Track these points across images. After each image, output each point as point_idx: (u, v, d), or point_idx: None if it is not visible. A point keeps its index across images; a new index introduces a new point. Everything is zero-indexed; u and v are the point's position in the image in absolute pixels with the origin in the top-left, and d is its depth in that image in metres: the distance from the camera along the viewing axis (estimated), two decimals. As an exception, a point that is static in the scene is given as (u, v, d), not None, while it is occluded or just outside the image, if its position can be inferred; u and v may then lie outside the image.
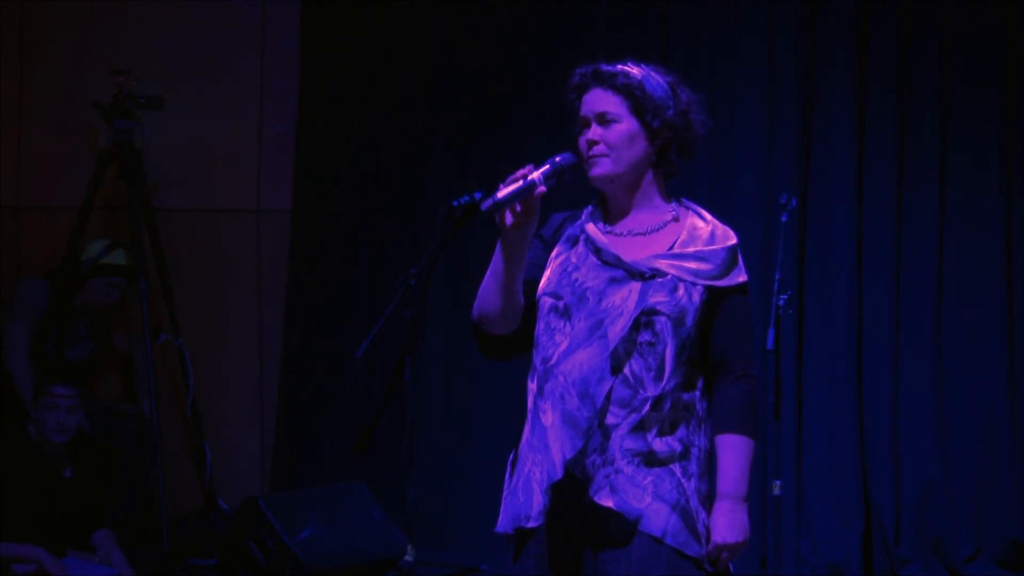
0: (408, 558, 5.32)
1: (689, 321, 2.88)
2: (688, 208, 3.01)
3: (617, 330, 2.87)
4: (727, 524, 2.87)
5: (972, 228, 5.77)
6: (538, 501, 2.95)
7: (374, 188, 6.18)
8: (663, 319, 2.87)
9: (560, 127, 6.02)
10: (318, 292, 6.22)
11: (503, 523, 3.06)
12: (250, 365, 6.32)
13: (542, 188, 2.95)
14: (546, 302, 2.98)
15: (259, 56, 6.35)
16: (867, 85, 5.78)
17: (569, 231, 3.06)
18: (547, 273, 3.03)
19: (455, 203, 5.62)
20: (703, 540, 2.88)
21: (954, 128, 5.77)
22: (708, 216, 3.00)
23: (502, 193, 2.99)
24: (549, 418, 2.96)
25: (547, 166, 2.98)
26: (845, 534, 5.60)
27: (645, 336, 2.88)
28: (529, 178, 2.97)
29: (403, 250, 6.01)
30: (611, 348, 2.87)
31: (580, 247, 2.99)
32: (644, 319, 2.87)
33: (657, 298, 2.87)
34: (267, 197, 6.34)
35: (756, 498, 5.09)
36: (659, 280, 2.88)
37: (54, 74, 6.34)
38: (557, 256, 3.03)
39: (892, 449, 5.72)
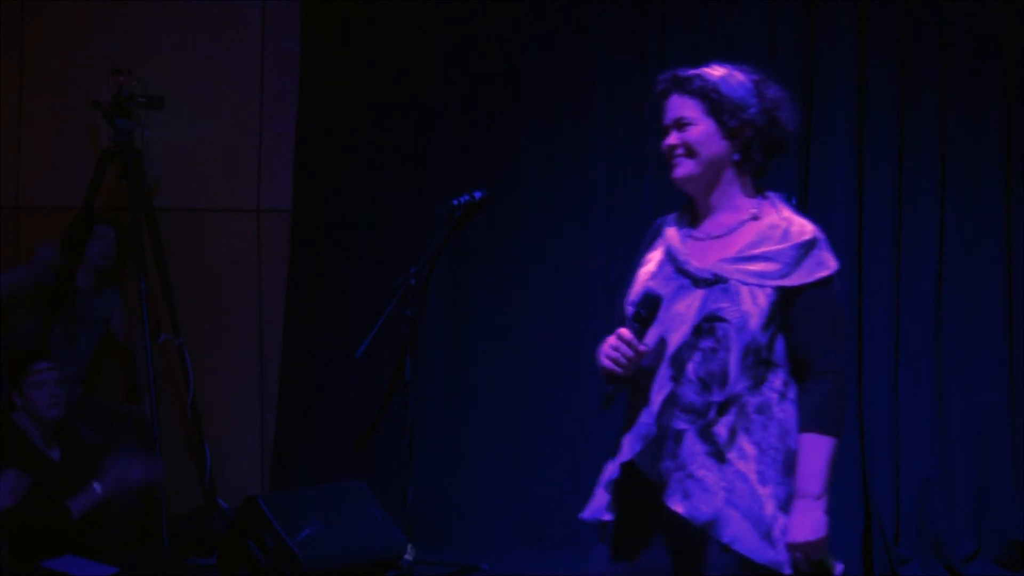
0: (408, 557, 5.34)
1: (754, 325, 2.90)
2: (772, 204, 3.03)
3: (677, 338, 2.92)
4: (797, 523, 2.89)
5: (973, 227, 5.77)
6: (602, 497, 3.02)
7: (374, 188, 6.18)
8: (725, 325, 2.90)
9: (558, 126, 6.10)
10: (318, 291, 6.22)
11: (585, 512, 3.12)
12: (250, 364, 6.32)
13: (643, 347, 2.94)
14: (629, 311, 3.03)
15: (259, 56, 6.35)
16: (867, 81, 5.78)
17: (659, 237, 3.13)
18: (635, 281, 3.08)
19: (455, 202, 5.68)
20: (779, 545, 2.90)
21: (954, 124, 5.76)
22: (786, 211, 3.01)
23: (613, 384, 2.95)
24: (627, 422, 3.01)
25: (635, 324, 2.96)
26: (845, 533, 5.59)
27: (707, 343, 2.92)
28: (632, 353, 2.92)
29: (403, 249, 6.01)
30: (670, 355, 2.91)
31: (661, 254, 3.05)
32: (706, 326, 2.91)
33: (719, 304, 2.90)
34: (267, 197, 6.35)
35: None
36: (721, 286, 2.92)
37: (54, 74, 6.35)
38: (645, 263, 3.09)
39: (892, 448, 5.72)
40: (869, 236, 5.78)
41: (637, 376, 2.95)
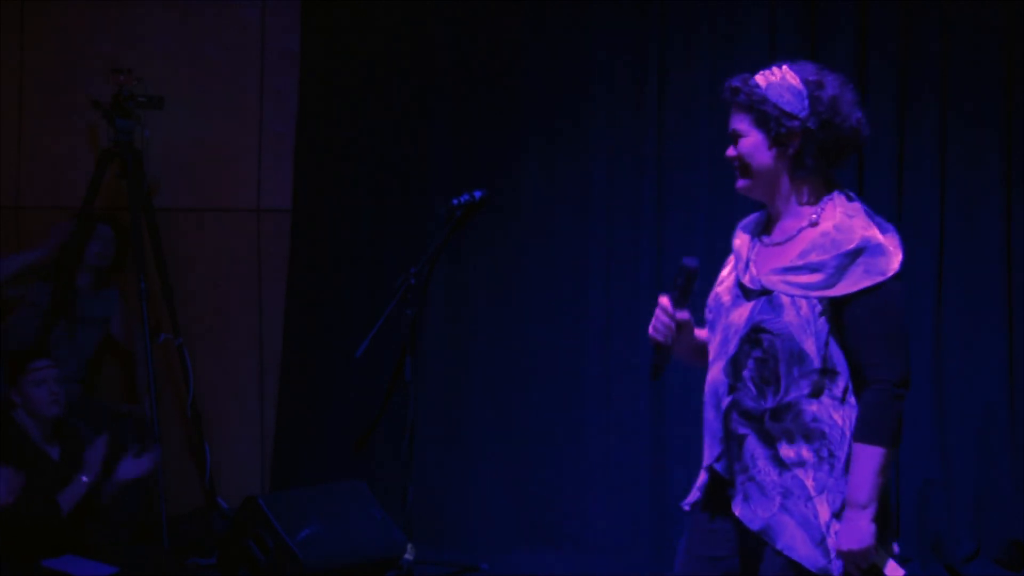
0: (408, 557, 5.34)
1: (800, 336, 2.92)
2: (836, 207, 2.99)
3: (732, 346, 2.98)
4: (844, 532, 2.92)
5: (973, 226, 5.77)
6: (693, 496, 3.12)
7: (374, 187, 6.18)
8: (769, 336, 2.94)
9: (558, 126, 6.10)
10: (318, 291, 6.22)
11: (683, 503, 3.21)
12: (250, 364, 6.32)
13: (680, 316, 3.05)
14: (707, 316, 3.12)
15: (259, 56, 6.35)
16: (867, 79, 5.78)
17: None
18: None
19: (455, 202, 5.68)
20: (832, 552, 2.93)
21: (954, 122, 5.77)
22: (841, 216, 2.97)
23: (658, 354, 3.08)
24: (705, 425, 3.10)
25: (673, 293, 3.05)
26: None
27: (757, 353, 2.95)
28: (669, 321, 3.04)
29: (403, 249, 6.00)
30: (728, 362, 2.98)
31: (732, 260, 3.13)
32: (754, 336, 2.95)
33: (764, 316, 2.95)
34: (267, 196, 6.34)
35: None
36: (766, 298, 2.96)
37: (54, 74, 6.34)
38: (725, 265, 3.17)
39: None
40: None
41: (707, 379, 3.05)
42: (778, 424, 2.94)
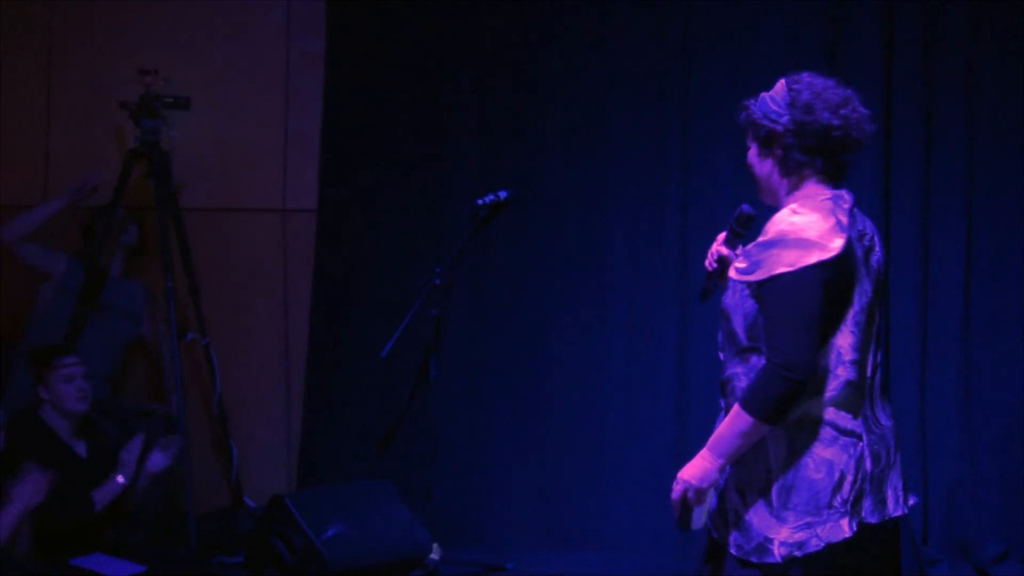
0: (434, 556, 5.36)
1: (733, 316, 3.16)
2: (794, 202, 3.17)
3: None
4: (690, 464, 3.14)
5: (1000, 225, 5.74)
6: None
7: (399, 187, 6.19)
8: (722, 317, 3.20)
9: (580, 126, 6.10)
10: (343, 291, 6.23)
11: None
12: (276, 364, 6.34)
13: (728, 253, 3.43)
14: None
15: (285, 57, 6.37)
16: (893, 79, 5.76)
17: None
18: None
19: (480, 202, 5.68)
20: (729, 524, 3.16)
21: (981, 128, 5.74)
22: (787, 209, 3.14)
23: (709, 279, 3.48)
24: None
25: (729, 234, 3.43)
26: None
27: (719, 333, 3.23)
28: (718, 258, 3.46)
29: (428, 249, 6.02)
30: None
31: None
32: (720, 316, 3.22)
33: (723, 301, 3.22)
34: (293, 196, 6.36)
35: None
36: (728, 283, 3.25)
37: (81, 74, 6.38)
38: None
39: (919, 449, 5.70)
40: (896, 237, 5.76)
41: None
42: (724, 399, 3.21)
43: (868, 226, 3.22)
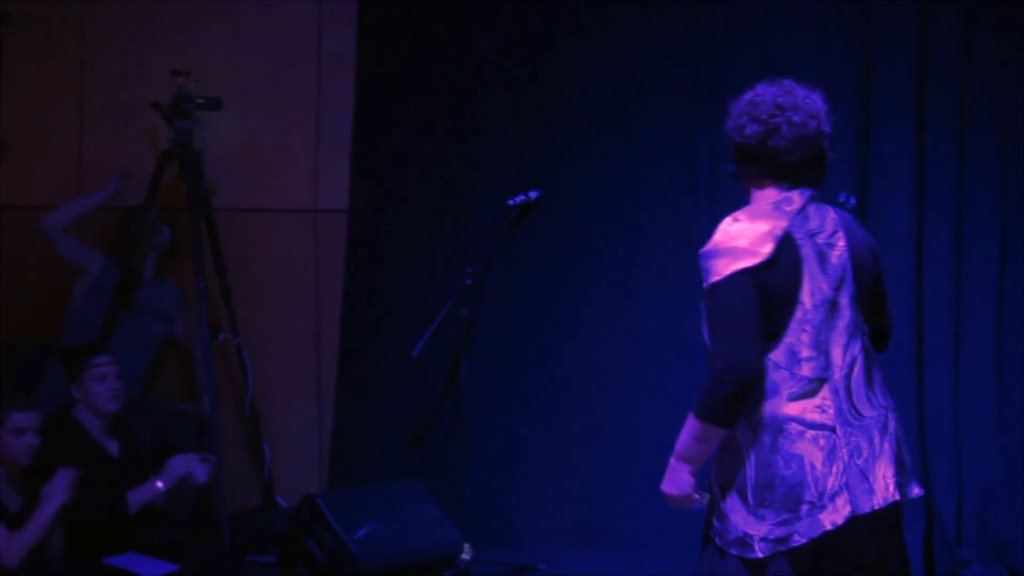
0: (465, 557, 5.36)
1: (702, 327, 3.22)
2: (742, 212, 3.27)
3: None
4: (666, 478, 3.31)
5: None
6: None
7: (430, 188, 6.20)
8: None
9: (610, 124, 6.09)
10: (374, 291, 6.25)
11: None
12: (307, 364, 6.36)
13: None
14: None
15: (316, 57, 6.38)
16: (926, 82, 5.73)
17: None
18: None
19: (511, 202, 5.67)
20: (712, 513, 3.26)
21: (1013, 122, 5.71)
22: (726, 219, 3.25)
23: None
24: None
25: None
26: (905, 535, 5.54)
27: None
28: None
29: (459, 249, 6.03)
30: None
31: None
32: None
33: None
34: (324, 197, 6.38)
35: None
36: None
37: (114, 75, 6.41)
38: None
39: (953, 449, 5.67)
40: (929, 236, 5.73)
41: None
42: None
43: (830, 223, 3.25)
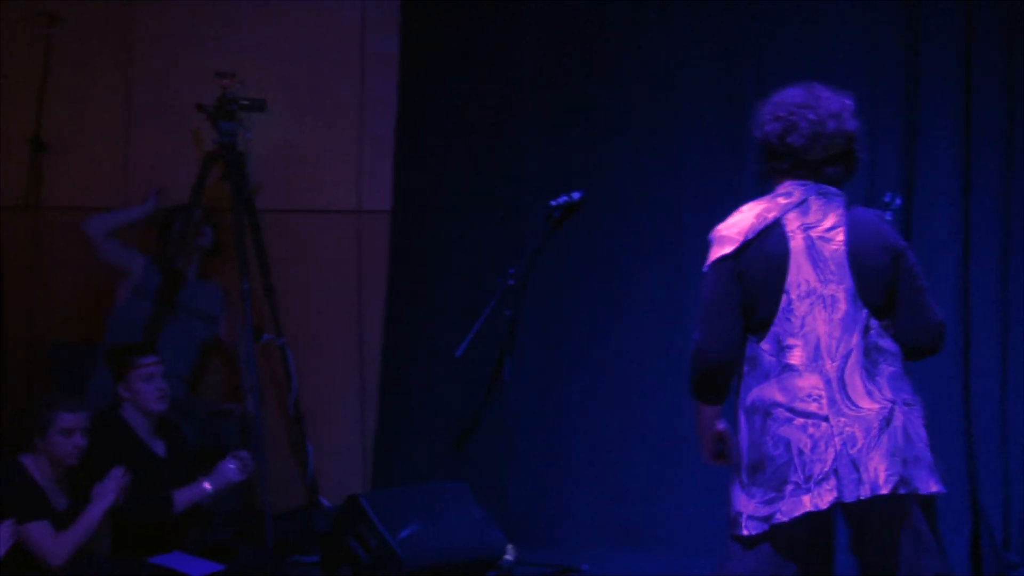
0: (508, 557, 5.36)
1: None
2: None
3: None
4: None
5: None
6: None
7: (473, 188, 6.20)
8: None
9: (653, 123, 6.07)
10: (417, 291, 6.26)
11: None
12: (351, 364, 6.38)
13: None
14: None
15: (359, 58, 6.40)
16: (972, 80, 5.69)
17: None
18: None
19: (553, 203, 5.67)
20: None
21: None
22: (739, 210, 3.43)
23: None
24: None
25: None
26: (951, 537, 5.50)
27: None
28: None
29: (502, 250, 6.02)
30: None
31: None
32: None
33: None
34: (367, 198, 6.39)
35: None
36: None
37: (159, 77, 6.45)
38: None
39: (1000, 452, 5.62)
40: (976, 238, 5.69)
41: None
42: None
43: (832, 219, 3.33)
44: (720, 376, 3.31)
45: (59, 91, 6.33)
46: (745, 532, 3.27)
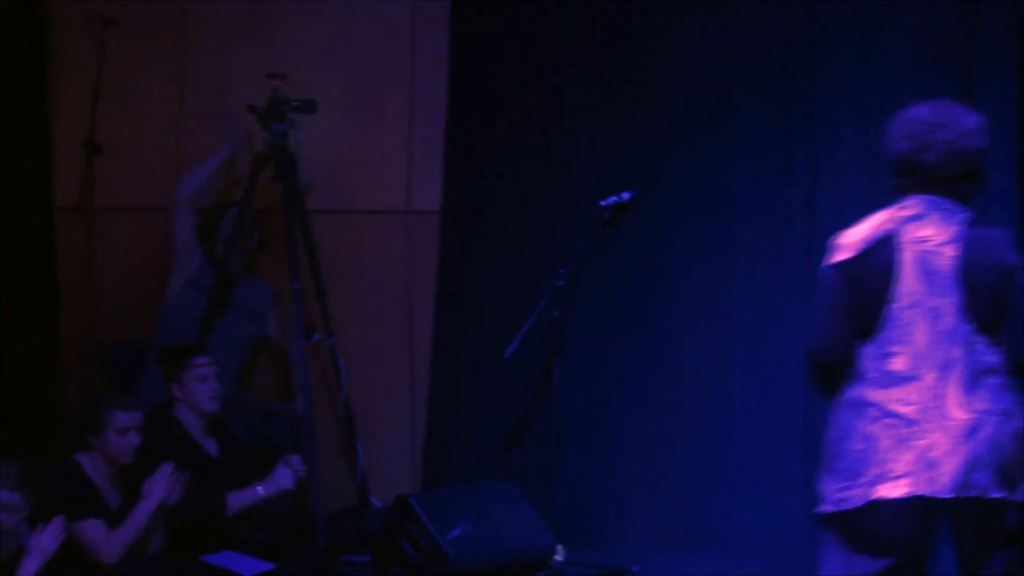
0: (558, 558, 5.36)
1: None
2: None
3: None
4: None
5: None
6: None
7: (522, 189, 6.20)
8: None
9: (703, 124, 6.04)
10: (467, 292, 6.26)
11: None
12: (400, 364, 6.39)
13: None
14: None
15: (409, 59, 6.41)
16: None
17: None
18: None
19: (602, 204, 5.66)
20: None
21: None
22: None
23: None
24: None
25: None
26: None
27: None
28: None
29: (551, 250, 6.02)
30: None
31: None
32: None
33: None
34: (416, 198, 6.41)
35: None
36: None
37: (211, 79, 6.49)
38: None
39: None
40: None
41: None
42: None
43: (947, 234, 3.46)
44: (831, 374, 3.51)
45: (113, 93, 6.39)
46: (822, 513, 3.50)
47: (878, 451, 3.40)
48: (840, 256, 3.51)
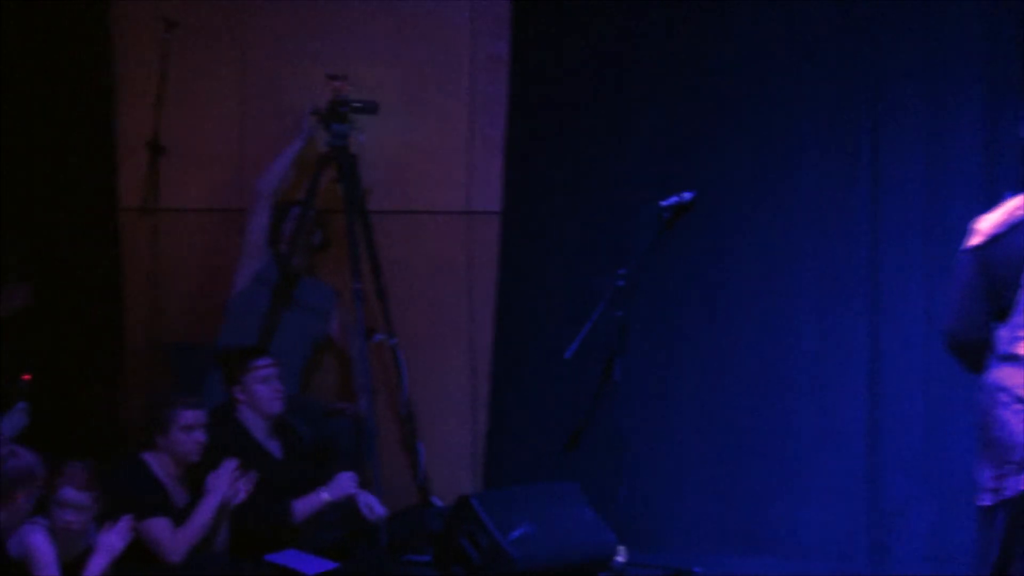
0: (620, 559, 5.35)
1: None
2: None
3: None
4: None
5: None
6: None
7: (582, 189, 6.19)
8: None
9: (765, 126, 6.01)
10: (527, 292, 6.26)
11: None
12: (461, 364, 6.40)
13: None
14: None
15: (469, 59, 6.42)
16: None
17: None
18: None
19: (663, 204, 5.64)
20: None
21: None
22: None
23: None
24: None
25: None
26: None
27: None
28: None
29: (611, 250, 6.00)
30: None
31: None
32: None
33: None
34: (476, 199, 6.41)
35: None
36: None
37: (272, 81, 6.53)
38: None
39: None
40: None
41: None
42: None
43: None
44: (968, 353, 3.58)
45: (176, 95, 6.44)
46: (980, 503, 3.52)
47: (1017, 436, 3.44)
48: (974, 241, 3.54)
